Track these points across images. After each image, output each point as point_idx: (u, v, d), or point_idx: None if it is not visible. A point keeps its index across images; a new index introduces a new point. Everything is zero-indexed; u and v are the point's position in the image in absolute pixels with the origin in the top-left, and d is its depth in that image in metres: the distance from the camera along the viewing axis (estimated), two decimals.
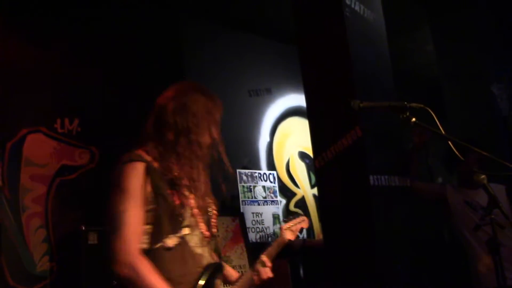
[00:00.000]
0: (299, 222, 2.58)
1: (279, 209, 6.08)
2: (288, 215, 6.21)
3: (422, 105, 2.11)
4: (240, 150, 5.90)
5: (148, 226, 1.93)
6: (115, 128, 4.69)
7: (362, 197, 3.41)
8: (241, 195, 5.71)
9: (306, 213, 6.45)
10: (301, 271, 5.09)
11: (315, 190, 6.32)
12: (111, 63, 4.80)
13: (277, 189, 6.14)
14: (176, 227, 1.96)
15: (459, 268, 3.90)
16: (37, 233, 4.18)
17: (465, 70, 5.44)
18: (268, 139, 6.29)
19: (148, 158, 2.01)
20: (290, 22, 4.13)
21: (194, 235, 2.01)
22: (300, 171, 6.58)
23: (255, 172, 5.96)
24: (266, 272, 2.22)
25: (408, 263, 3.47)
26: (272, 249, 2.34)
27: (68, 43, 4.62)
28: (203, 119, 2.09)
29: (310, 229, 6.38)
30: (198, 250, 2.01)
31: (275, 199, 6.07)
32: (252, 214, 5.72)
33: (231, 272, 2.32)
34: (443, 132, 2.13)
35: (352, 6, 3.79)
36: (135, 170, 1.96)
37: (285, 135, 6.54)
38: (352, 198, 3.46)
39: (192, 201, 2.05)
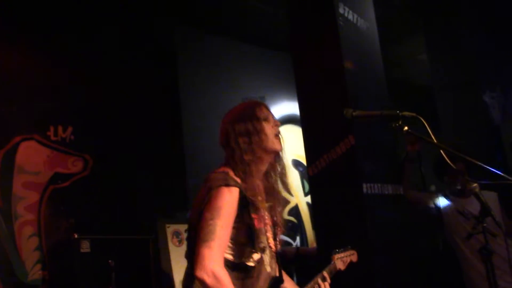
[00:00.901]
0: (350, 255, 2.68)
1: None
2: (286, 223, 6.21)
3: (414, 114, 2.12)
4: None
5: (231, 243, 2.06)
6: (108, 136, 4.68)
7: (355, 205, 3.42)
8: None
9: (300, 221, 6.45)
10: (295, 279, 5.08)
11: (308, 198, 6.32)
12: (105, 72, 4.80)
13: None
14: (255, 249, 2.09)
15: (453, 276, 3.91)
16: (30, 241, 4.15)
17: (457, 79, 5.48)
18: None
19: (238, 180, 2.10)
20: (284, 31, 4.16)
21: (266, 255, 2.16)
22: (294, 179, 6.58)
23: None
24: (326, 286, 2.33)
25: (402, 271, 3.47)
26: (329, 270, 2.45)
27: (62, 52, 4.62)
28: (255, 122, 2.19)
29: (303, 237, 6.38)
30: (268, 268, 2.15)
31: None
32: None
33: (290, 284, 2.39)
34: (435, 141, 2.14)
35: (346, 15, 3.81)
36: (231, 195, 2.05)
37: None
38: (345, 206, 3.46)
39: (268, 222, 2.18)
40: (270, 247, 2.18)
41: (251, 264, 2.08)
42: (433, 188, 6.73)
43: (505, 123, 5.49)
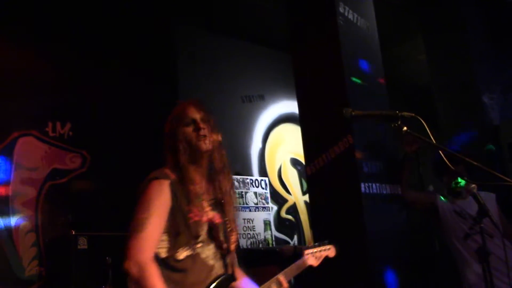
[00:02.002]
0: (325, 250, 2.57)
1: (270, 216, 6.07)
2: (284, 221, 6.22)
3: (413, 114, 2.12)
4: (232, 156, 5.86)
5: (164, 235, 2.07)
6: (106, 133, 4.68)
7: (353, 204, 3.42)
8: None
9: (298, 220, 6.45)
10: (292, 278, 5.08)
11: (306, 197, 6.33)
12: (104, 69, 4.79)
13: (268, 195, 6.14)
14: (190, 242, 2.08)
15: (450, 276, 3.91)
16: (27, 237, 4.15)
17: (456, 80, 5.48)
18: (260, 145, 6.29)
19: (172, 176, 2.14)
20: (284, 29, 4.15)
21: (208, 249, 2.14)
22: (292, 177, 6.59)
23: (247, 178, 5.96)
24: None
25: (399, 271, 3.47)
26: (290, 271, 2.37)
27: (60, 48, 4.61)
28: (176, 129, 2.25)
29: (301, 235, 6.38)
30: (211, 262, 2.14)
31: (266, 205, 6.07)
32: (243, 220, 5.71)
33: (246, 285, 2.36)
34: (433, 141, 2.14)
35: (346, 14, 3.81)
36: (160, 186, 2.11)
37: (278, 142, 6.55)
38: (343, 205, 3.46)
39: (211, 217, 2.18)
40: (215, 242, 2.17)
41: (181, 257, 2.06)
42: (431, 188, 6.74)
43: (503, 124, 5.49)
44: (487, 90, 5.49)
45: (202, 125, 2.25)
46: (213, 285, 2.10)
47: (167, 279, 2.00)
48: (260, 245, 5.72)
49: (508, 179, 2.01)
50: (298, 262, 2.43)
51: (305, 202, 6.48)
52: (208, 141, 2.22)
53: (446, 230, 3.68)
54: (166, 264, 2.05)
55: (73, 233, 3.94)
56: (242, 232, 5.62)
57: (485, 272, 2.57)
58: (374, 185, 3.52)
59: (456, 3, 5.60)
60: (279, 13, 4.42)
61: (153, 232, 2.02)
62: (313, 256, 2.50)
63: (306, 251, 2.48)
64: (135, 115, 4.91)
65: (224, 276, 2.16)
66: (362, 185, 3.40)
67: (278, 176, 6.43)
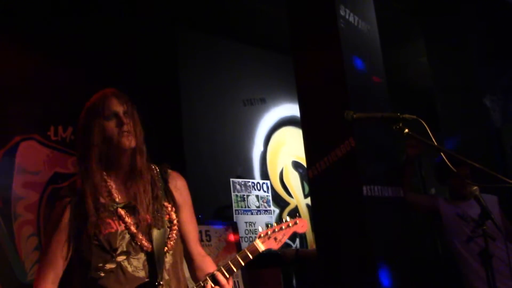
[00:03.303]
0: (288, 227, 2.21)
1: (272, 219, 6.07)
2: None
3: (415, 117, 2.12)
4: (234, 159, 5.90)
5: (79, 255, 1.94)
6: None
7: (355, 207, 3.41)
8: (234, 204, 5.70)
9: None
10: (294, 281, 5.07)
11: (308, 200, 6.32)
12: (105, 72, 4.80)
13: (270, 198, 6.14)
14: (107, 258, 1.91)
15: (452, 279, 3.90)
16: (29, 241, 4.15)
17: (458, 82, 5.48)
18: (262, 148, 6.29)
19: (78, 187, 1.97)
20: (285, 32, 4.15)
21: (134, 259, 1.94)
22: (294, 180, 6.58)
23: (249, 181, 5.95)
24: None
25: (401, 273, 3.47)
26: (234, 264, 2.03)
27: (62, 52, 4.61)
28: (93, 122, 2.02)
29: (303, 239, 6.37)
30: (141, 274, 1.93)
31: (268, 208, 6.07)
32: (245, 224, 5.70)
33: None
34: (435, 143, 2.14)
35: (347, 17, 3.81)
36: (61, 207, 1.96)
37: (279, 145, 6.54)
38: (345, 208, 3.46)
39: (131, 223, 1.96)
40: (142, 248, 1.94)
41: (102, 274, 1.89)
42: (433, 191, 6.73)
43: (505, 126, 5.49)
44: (489, 93, 5.49)
45: (125, 120, 2.03)
46: None
47: None
48: None
49: (511, 181, 2.01)
50: (246, 249, 2.07)
51: (307, 205, 6.47)
52: (132, 138, 2.00)
53: (448, 233, 3.67)
54: (87, 285, 1.91)
55: None
56: (244, 235, 5.61)
57: (488, 274, 2.57)
58: (376, 187, 3.51)
59: (457, 5, 5.60)
60: (280, 16, 4.43)
61: (50, 256, 1.94)
62: (270, 238, 2.12)
63: (260, 232, 2.12)
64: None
65: (148, 283, 1.93)
66: (364, 187, 3.40)
67: (280, 179, 6.42)
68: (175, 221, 2.07)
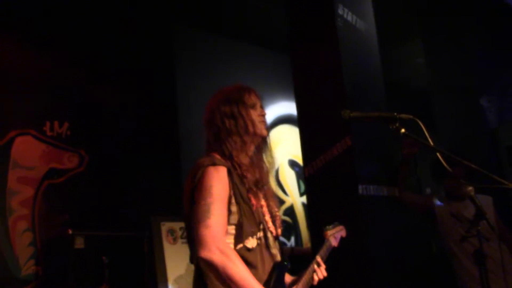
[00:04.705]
0: (340, 231, 2.58)
1: None
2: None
3: (411, 116, 2.12)
4: None
5: (230, 227, 1.98)
6: (104, 132, 4.68)
7: (350, 206, 3.42)
8: None
9: (295, 221, 6.45)
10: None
11: (304, 198, 6.33)
12: (102, 68, 4.79)
13: None
14: (254, 230, 2.02)
15: (446, 279, 3.92)
16: (23, 236, 4.14)
17: (455, 83, 5.49)
18: None
19: (227, 162, 2.06)
20: (282, 30, 4.15)
21: (268, 237, 2.09)
22: (290, 179, 6.59)
23: None
24: (322, 271, 2.23)
25: (396, 273, 3.48)
26: (323, 253, 2.33)
27: (59, 47, 4.61)
28: (241, 108, 2.19)
29: (298, 237, 6.38)
30: (274, 251, 2.10)
31: None
32: None
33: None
34: (432, 143, 2.15)
35: (345, 16, 3.81)
36: (218, 173, 1.99)
37: (275, 143, 6.54)
38: (340, 207, 3.46)
39: (263, 203, 2.14)
40: (270, 229, 2.13)
41: (252, 245, 1.99)
42: (428, 190, 6.75)
43: (501, 127, 5.51)
44: (485, 93, 5.51)
45: (264, 111, 2.25)
46: (274, 276, 2.03)
47: None
48: None
49: (506, 182, 2.02)
50: (326, 244, 2.39)
51: (303, 203, 6.48)
52: (266, 128, 2.21)
53: (443, 233, 3.68)
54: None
55: (70, 232, 3.94)
56: None
57: (482, 275, 2.57)
58: (371, 186, 3.52)
59: (454, 6, 5.61)
60: (277, 14, 4.43)
61: (220, 218, 1.92)
62: (334, 237, 2.47)
63: (328, 233, 2.46)
64: (133, 116, 4.91)
65: (279, 264, 2.10)
66: (360, 186, 3.41)
67: (276, 178, 6.42)
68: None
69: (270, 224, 2.13)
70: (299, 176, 6.56)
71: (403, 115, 2.13)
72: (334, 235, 2.49)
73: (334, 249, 2.42)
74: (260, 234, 2.05)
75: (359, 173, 3.46)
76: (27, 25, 4.47)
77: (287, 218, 6.30)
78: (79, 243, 4.00)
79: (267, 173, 2.22)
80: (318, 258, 2.26)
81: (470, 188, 2.69)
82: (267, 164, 2.23)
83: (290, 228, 6.35)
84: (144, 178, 4.75)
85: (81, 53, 4.68)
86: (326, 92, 3.66)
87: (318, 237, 3.65)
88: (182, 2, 5.28)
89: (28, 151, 4.30)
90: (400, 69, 7.12)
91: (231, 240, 1.98)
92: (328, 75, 3.67)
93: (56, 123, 4.49)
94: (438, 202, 3.76)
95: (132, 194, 4.67)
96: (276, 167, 6.42)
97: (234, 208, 1.99)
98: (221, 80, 5.92)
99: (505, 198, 4.18)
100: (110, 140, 4.69)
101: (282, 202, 6.37)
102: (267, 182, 2.20)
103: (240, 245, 1.98)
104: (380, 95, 3.98)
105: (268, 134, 2.23)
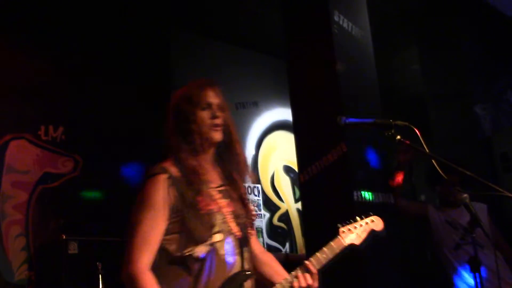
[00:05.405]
0: (367, 223, 2.22)
1: (262, 223, 6.06)
2: (276, 229, 6.19)
3: (407, 123, 2.13)
4: None
5: (172, 236, 1.89)
6: (99, 137, 4.66)
7: (345, 212, 3.41)
8: None
9: (290, 228, 6.44)
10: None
11: (299, 205, 6.32)
12: (97, 73, 4.78)
13: (261, 202, 6.13)
14: (205, 235, 1.88)
15: (440, 286, 3.91)
16: (17, 241, 4.11)
17: (450, 90, 5.51)
18: (253, 152, 6.29)
19: (173, 169, 1.96)
20: (279, 36, 4.16)
21: (226, 242, 1.92)
22: (285, 185, 6.58)
23: None
24: (306, 279, 1.98)
25: (391, 280, 3.47)
26: (322, 255, 2.06)
27: (55, 52, 4.60)
28: (188, 109, 2.03)
29: (293, 243, 6.37)
30: (229, 259, 1.91)
31: (258, 212, 6.06)
32: None
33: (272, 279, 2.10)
34: (427, 150, 2.15)
35: (340, 23, 3.83)
36: (157, 183, 1.92)
37: (271, 149, 6.54)
38: (335, 213, 3.46)
39: (224, 206, 1.98)
40: (232, 233, 1.95)
41: (200, 253, 1.86)
42: (423, 197, 6.75)
43: (496, 134, 5.53)
44: (480, 101, 5.53)
45: (218, 113, 2.05)
46: (228, 285, 1.88)
47: (179, 280, 1.84)
48: None
49: (500, 189, 2.02)
50: (332, 243, 2.08)
51: (298, 209, 6.47)
52: (221, 132, 2.03)
53: (437, 240, 3.68)
54: (181, 263, 1.86)
55: (64, 237, 3.91)
56: None
57: (476, 282, 2.57)
58: (366, 193, 3.52)
59: (450, 14, 5.64)
60: (274, 20, 4.44)
61: (147, 235, 1.84)
62: (352, 233, 2.14)
63: (341, 228, 2.14)
64: (128, 120, 4.89)
65: (239, 273, 1.92)
66: (355, 193, 3.41)
67: (271, 183, 6.42)
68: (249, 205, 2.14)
69: (232, 225, 1.96)
70: (294, 182, 6.56)
71: (399, 122, 2.14)
72: (355, 230, 2.16)
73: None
74: (213, 239, 1.89)
75: (354, 180, 3.46)
76: (22, 29, 4.46)
77: (282, 224, 6.29)
78: (73, 248, 3.97)
79: (236, 171, 2.09)
80: (308, 263, 2.02)
81: (465, 195, 2.70)
82: (234, 163, 2.09)
83: (285, 234, 6.33)
84: (139, 184, 4.72)
85: (77, 58, 4.67)
86: (322, 99, 3.66)
87: (312, 243, 3.65)
88: (179, 7, 5.28)
89: (23, 155, 4.28)
90: (395, 76, 7.14)
91: (175, 244, 1.88)
92: (323, 81, 3.68)
93: (51, 128, 4.47)
94: (433, 209, 3.77)
95: (126, 199, 4.64)
96: (271, 173, 6.44)
97: (178, 217, 1.89)
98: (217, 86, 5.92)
99: (500, 205, 4.19)
100: (104, 144, 4.67)
101: (277, 208, 6.36)
102: (232, 182, 2.06)
103: (188, 252, 1.86)
104: (375, 102, 3.99)
105: (218, 140, 2.03)
